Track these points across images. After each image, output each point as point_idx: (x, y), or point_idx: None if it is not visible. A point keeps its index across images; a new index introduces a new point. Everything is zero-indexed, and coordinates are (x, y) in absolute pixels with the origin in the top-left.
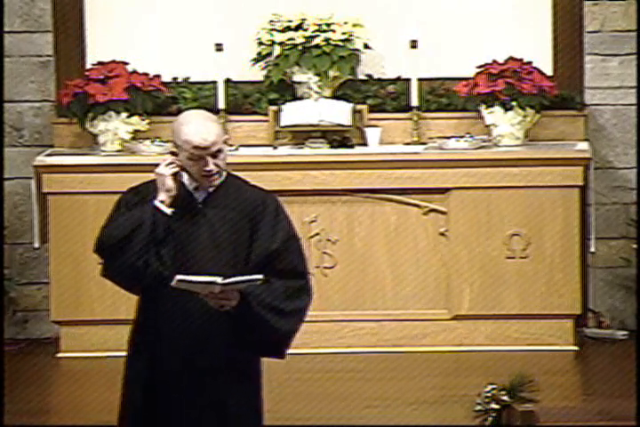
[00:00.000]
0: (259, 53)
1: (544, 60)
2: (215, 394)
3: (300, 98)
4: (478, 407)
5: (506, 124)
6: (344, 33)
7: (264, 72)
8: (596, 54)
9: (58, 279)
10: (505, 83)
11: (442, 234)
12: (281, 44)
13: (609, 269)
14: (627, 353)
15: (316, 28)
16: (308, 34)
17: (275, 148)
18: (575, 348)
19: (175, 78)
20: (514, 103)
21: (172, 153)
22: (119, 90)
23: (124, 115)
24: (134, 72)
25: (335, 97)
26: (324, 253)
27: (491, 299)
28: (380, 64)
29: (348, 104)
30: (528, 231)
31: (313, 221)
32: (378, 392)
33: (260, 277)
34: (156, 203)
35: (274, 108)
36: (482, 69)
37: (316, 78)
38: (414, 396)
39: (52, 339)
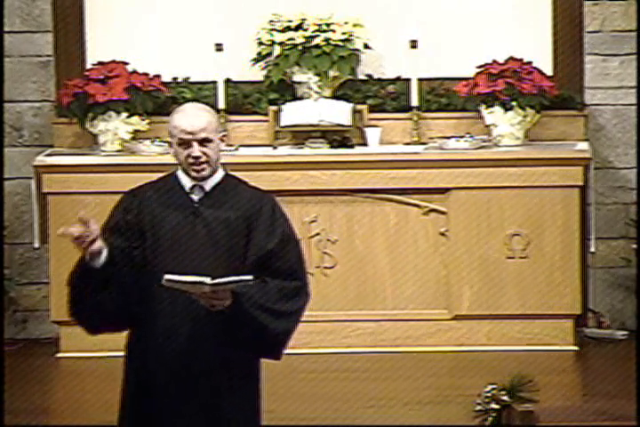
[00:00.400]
0: (259, 53)
1: (544, 60)
2: (209, 396)
3: (300, 98)
4: (478, 407)
5: (506, 124)
6: (344, 33)
7: (264, 72)
8: (596, 54)
9: (58, 279)
10: (505, 83)
11: (442, 234)
12: (281, 44)
13: (609, 269)
14: (627, 353)
15: (316, 28)
16: (308, 34)
17: (275, 148)
18: (575, 348)
19: (175, 78)
20: (514, 103)
21: (168, 143)
22: (119, 90)
23: (124, 115)
24: (134, 72)
25: (335, 97)
26: (324, 253)
27: (491, 299)
28: (380, 64)
29: (348, 104)
30: (528, 231)
31: (313, 221)
32: (378, 392)
33: (250, 277)
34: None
35: (274, 108)
36: (482, 69)
37: (316, 78)
38: (414, 396)
39: (52, 339)
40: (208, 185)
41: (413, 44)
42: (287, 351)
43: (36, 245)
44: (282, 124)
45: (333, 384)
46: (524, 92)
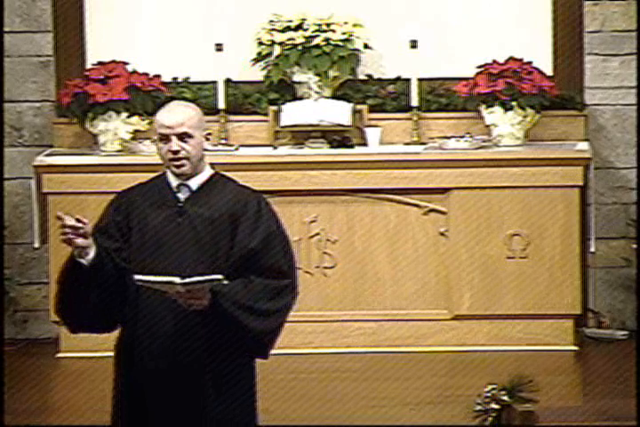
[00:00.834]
0: (259, 53)
1: (544, 60)
2: (194, 395)
3: (300, 98)
4: (478, 407)
5: (506, 124)
6: (344, 33)
7: (264, 72)
8: (596, 54)
9: None
10: (505, 83)
11: (442, 234)
12: (281, 44)
13: (609, 269)
14: (627, 353)
15: (316, 28)
16: (308, 34)
17: (275, 148)
18: (575, 348)
19: (175, 78)
20: (514, 103)
21: (153, 141)
22: (119, 90)
23: (124, 115)
24: (134, 72)
25: (335, 97)
26: (324, 253)
27: (491, 299)
28: (380, 64)
29: (348, 104)
30: (528, 231)
31: (313, 221)
32: (378, 392)
33: (220, 277)
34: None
35: (274, 108)
36: (482, 69)
37: (316, 78)
38: (414, 396)
39: (52, 339)
40: (194, 184)
41: (413, 44)
42: (287, 351)
43: (36, 245)
44: (282, 124)
45: (333, 384)
46: (524, 92)
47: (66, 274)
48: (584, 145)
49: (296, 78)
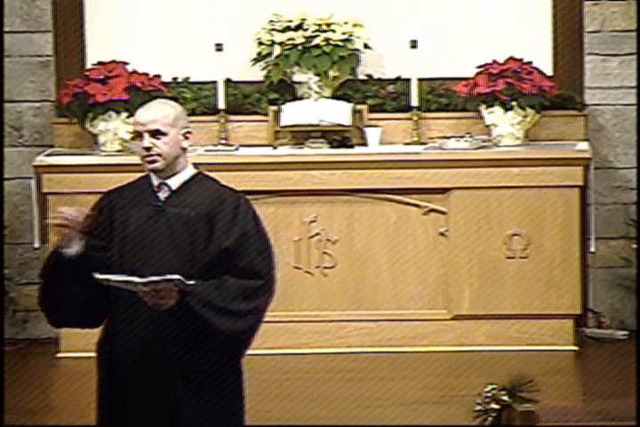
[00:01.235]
0: (259, 53)
1: (544, 60)
2: (169, 395)
3: (300, 98)
4: (478, 407)
5: (506, 124)
6: (344, 33)
7: (264, 72)
8: (596, 54)
9: None
10: (505, 83)
11: (442, 234)
12: (281, 44)
13: (609, 269)
14: (627, 353)
15: (316, 28)
16: (308, 34)
17: (275, 148)
18: (575, 348)
19: (175, 78)
20: (514, 103)
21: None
22: (119, 90)
23: (124, 115)
24: (134, 72)
25: (335, 97)
26: (324, 253)
27: (490, 299)
28: (380, 64)
29: (348, 104)
30: (528, 231)
31: (313, 221)
32: (378, 392)
33: (177, 276)
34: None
35: (274, 108)
36: (482, 69)
37: (316, 78)
38: (414, 396)
39: (52, 339)
40: (174, 183)
41: (413, 44)
42: (287, 351)
43: (36, 245)
44: (282, 124)
45: (333, 384)
46: (523, 92)
47: (49, 266)
48: (584, 145)
49: (296, 78)
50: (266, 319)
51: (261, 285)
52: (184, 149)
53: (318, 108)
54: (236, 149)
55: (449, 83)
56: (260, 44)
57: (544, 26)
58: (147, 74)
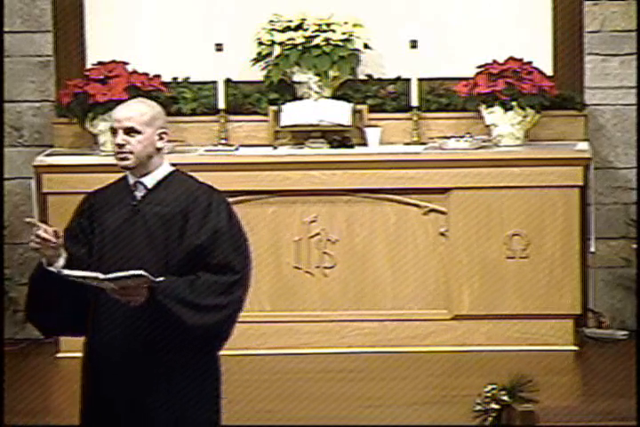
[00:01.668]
0: (259, 53)
1: (544, 60)
2: (138, 392)
3: (300, 98)
4: (478, 407)
5: (506, 124)
6: (344, 33)
7: (264, 72)
8: (596, 54)
9: None
10: (505, 83)
11: (442, 234)
12: (281, 44)
13: (609, 269)
14: (627, 353)
15: (316, 28)
16: (308, 34)
17: (275, 148)
18: (575, 348)
19: (175, 78)
20: (514, 103)
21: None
22: (119, 90)
23: None
24: (134, 72)
25: (335, 97)
26: (324, 253)
27: (491, 299)
28: (380, 64)
29: (348, 104)
30: (528, 231)
31: (313, 221)
32: (378, 392)
33: (141, 272)
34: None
35: (274, 108)
36: (482, 69)
37: (316, 78)
38: (414, 396)
39: (52, 339)
40: (149, 182)
41: (413, 44)
42: (287, 351)
43: None
44: (282, 124)
45: (333, 384)
46: (523, 92)
47: (36, 282)
48: (584, 145)
49: (296, 78)
50: (266, 319)
51: (235, 280)
52: (159, 149)
53: (318, 108)
54: (236, 149)
55: (449, 83)
56: (260, 44)
57: (544, 26)
58: (147, 74)
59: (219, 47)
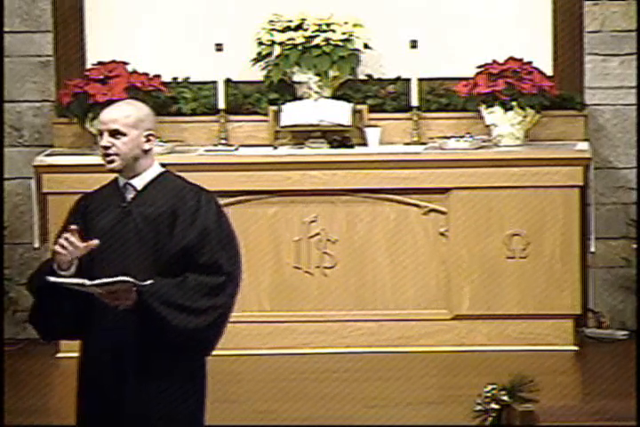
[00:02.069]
0: (259, 53)
1: (544, 60)
2: (120, 393)
3: (300, 98)
4: (478, 407)
5: (506, 124)
6: (344, 33)
7: (264, 72)
8: (596, 54)
9: None
10: (505, 83)
11: (442, 234)
12: (281, 44)
13: (609, 269)
14: (627, 353)
15: (316, 28)
16: (307, 34)
17: (275, 148)
18: (575, 348)
19: (175, 78)
20: (514, 103)
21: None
22: (119, 90)
23: None
24: (134, 72)
25: (335, 97)
26: (324, 253)
27: (490, 299)
28: (380, 64)
29: (348, 104)
30: (528, 231)
31: (313, 221)
32: (378, 392)
33: (127, 278)
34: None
35: (274, 108)
36: (482, 69)
37: (316, 78)
38: (414, 396)
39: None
40: (139, 183)
41: (413, 44)
42: (287, 351)
43: (36, 245)
44: (282, 124)
45: (333, 384)
46: (523, 92)
47: (41, 285)
48: (584, 145)
49: (296, 78)
50: (266, 319)
51: (223, 281)
52: (146, 151)
53: (318, 108)
54: (236, 149)
55: (449, 83)
56: (260, 44)
57: (544, 26)
58: (147, 74)
59: (219, 47)
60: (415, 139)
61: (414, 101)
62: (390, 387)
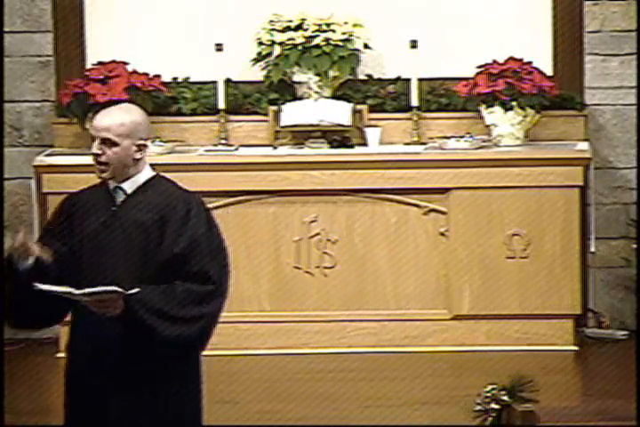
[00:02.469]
0: (259, 53)
1: (544, 60)
2: (115, 400)
3: (300, 98)
4: (478, 407)
5: (506, 124)
6: (344, 33)
7: (264, 72)
8: (596, 54)
9: None
10: (505, 83)
11: (442, 234)
12: (281, 44)
13: (609, 269)
14: (627, 353)
15: (316, 28)
16: (307, 34)
17: (275, 148)
18: (575, 348)
19: (175, 78)
20: (514, 103)
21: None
22: (119, 90)
23: None
24: (134, 72)
25: (335, 97)
26: (324, 253)
27: (491, 299)
28: (380, 64)
29: (348, 104)
30: (528, 231)
31: (313, 221)
32: (378, 392)
33: (116, 288)
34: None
35: (274, 108)
36: (482, 69)
37: (316, 78)
38: (414, 396)
39: (52, 339)
40: (129, 187)
41: (413, 44)
42: (287, 351)
43: None
44: (282, 124)
45: (333, 384)
46: (523, 92)
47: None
48: (584, 145)
49: (296, 78)
50: (266, 319)
51: (212, 290)
52: (137, 160)
53: (318, 108)
54: (236, 149)
55: (449, 83)
56: (260, 44)
57: (544, 26)
58: (147, 74)
59: (219, 47)
60: (415, 139)
61: (414, 101)
62: (390, 387)
